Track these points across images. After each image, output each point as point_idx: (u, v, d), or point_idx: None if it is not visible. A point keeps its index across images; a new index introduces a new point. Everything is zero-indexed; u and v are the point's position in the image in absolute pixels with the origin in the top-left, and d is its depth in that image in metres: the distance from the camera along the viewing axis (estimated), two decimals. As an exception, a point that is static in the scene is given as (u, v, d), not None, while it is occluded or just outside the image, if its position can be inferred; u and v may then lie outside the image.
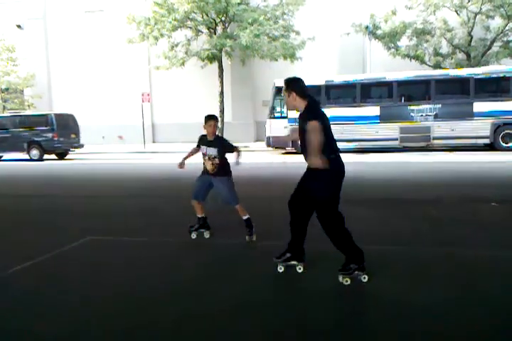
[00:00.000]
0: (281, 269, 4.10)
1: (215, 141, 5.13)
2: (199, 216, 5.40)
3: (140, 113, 23.94)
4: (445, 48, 22.48)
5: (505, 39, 21.80)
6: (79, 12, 28.73)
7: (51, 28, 29.60)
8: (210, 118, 5.10)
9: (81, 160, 19.23)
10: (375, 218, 6.23)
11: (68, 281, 4.09)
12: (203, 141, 5.20)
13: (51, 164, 17.94)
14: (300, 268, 4.09)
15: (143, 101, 23.74)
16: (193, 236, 5.42)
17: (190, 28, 22.58)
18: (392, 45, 22.40)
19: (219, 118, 22.48)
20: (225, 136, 23.82)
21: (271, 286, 3.90)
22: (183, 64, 22.42)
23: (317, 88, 18.84)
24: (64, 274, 4.30)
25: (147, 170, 14.73)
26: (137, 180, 11.84)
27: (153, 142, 28.12)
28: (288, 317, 3.24)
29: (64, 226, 6.33)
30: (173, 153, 21.14)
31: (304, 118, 3.77)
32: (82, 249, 5.18)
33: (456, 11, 21.94)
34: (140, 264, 4.55)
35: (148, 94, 24.72)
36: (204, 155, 5.17)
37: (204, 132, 5.17)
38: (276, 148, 19.68)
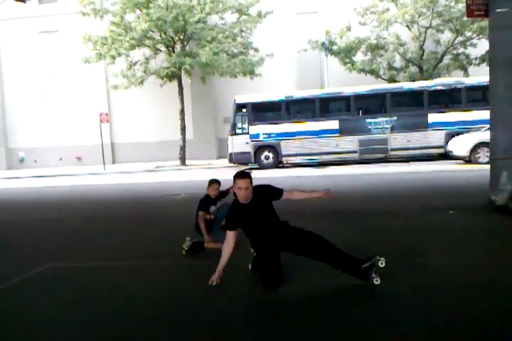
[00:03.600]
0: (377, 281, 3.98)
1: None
2: None
3: (99, 133, 23.51)
4: (398, 62, 23.19)
5: (455, 52, 22.69)
6: (33, 32, 28.21)
7: (3, 48, 28.89)
8: (213, 182, 5.60)
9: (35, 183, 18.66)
10: (337, 230, 6.21)
11: (25, 317, 3.87)
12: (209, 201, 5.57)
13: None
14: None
15: (101, 121, 23.33)
16: None
17: (149, 46, 22.48)
18: (348, 60, 22.93)
19: (180, 136, 22.57)
20: (187, 154, 23.60)
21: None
22: (141, 83, 22.24)
23: (277, 103, 19.10)
24: (20, 308, 4.03)
25: (107, 191, 14.42)
26: (96, 201, 11.56)
27: (113, 163, 27.63)
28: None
29: (24, 251, 6.08)
30: (133, 173, 20.87)
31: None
32: (43, 277, 4.93)
33: (407, 26, 22.74)
34: (110, 293, 4.38)
35: (107, 114, 24.33)
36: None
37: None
38: (239, 164, 19.67)
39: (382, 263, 3.97)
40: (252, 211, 4.08)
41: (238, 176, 4.05)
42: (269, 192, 4.20)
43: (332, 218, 7.11)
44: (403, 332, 3.12)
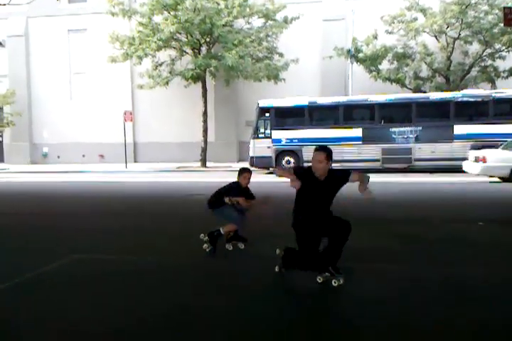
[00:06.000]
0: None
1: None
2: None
3: (122, 132, 23.72)
4: (425, 72, 22.95)
5: (482, 64, 22.39)
6: (62, 30, 28.66)
7: (33, 46, 29.40)
8: (244, 170, 5.58)
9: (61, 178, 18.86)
10: (362, 237, 6.12)
11: (47, 306, 3.87)
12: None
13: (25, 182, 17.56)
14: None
15: (125, 120, 23.54)
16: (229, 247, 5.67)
17: (175, 48, 22.68)
18: (374, 68, 22.77)
19: (201, 138, 22.65)
20: (208, 156, 23.61)
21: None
22: (167, 83, 22.40)
23: (301, 109, 19.05)
24: (44, 297, 4.07)
25: (131, 188, 14.50)
26: (120, 198, 11.63)
27: (135, 161, 27.82)
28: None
29: (48, 244, 6.13)
30: (155, 173, 20.97)
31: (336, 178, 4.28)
32: (66, 268, 4.99)
33: (435, 36, 22.53)
34: (128, 285, 4.37)
35: (131, 113, 24.55)
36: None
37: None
38: (259, 168, 19.62)
39: (335, 282, 4.14)
40: (320, 187, 4.23)
41: (317, 149, 4.29)
42: (339, 178, 4.34)
43: (357, 224, 7.00)
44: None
